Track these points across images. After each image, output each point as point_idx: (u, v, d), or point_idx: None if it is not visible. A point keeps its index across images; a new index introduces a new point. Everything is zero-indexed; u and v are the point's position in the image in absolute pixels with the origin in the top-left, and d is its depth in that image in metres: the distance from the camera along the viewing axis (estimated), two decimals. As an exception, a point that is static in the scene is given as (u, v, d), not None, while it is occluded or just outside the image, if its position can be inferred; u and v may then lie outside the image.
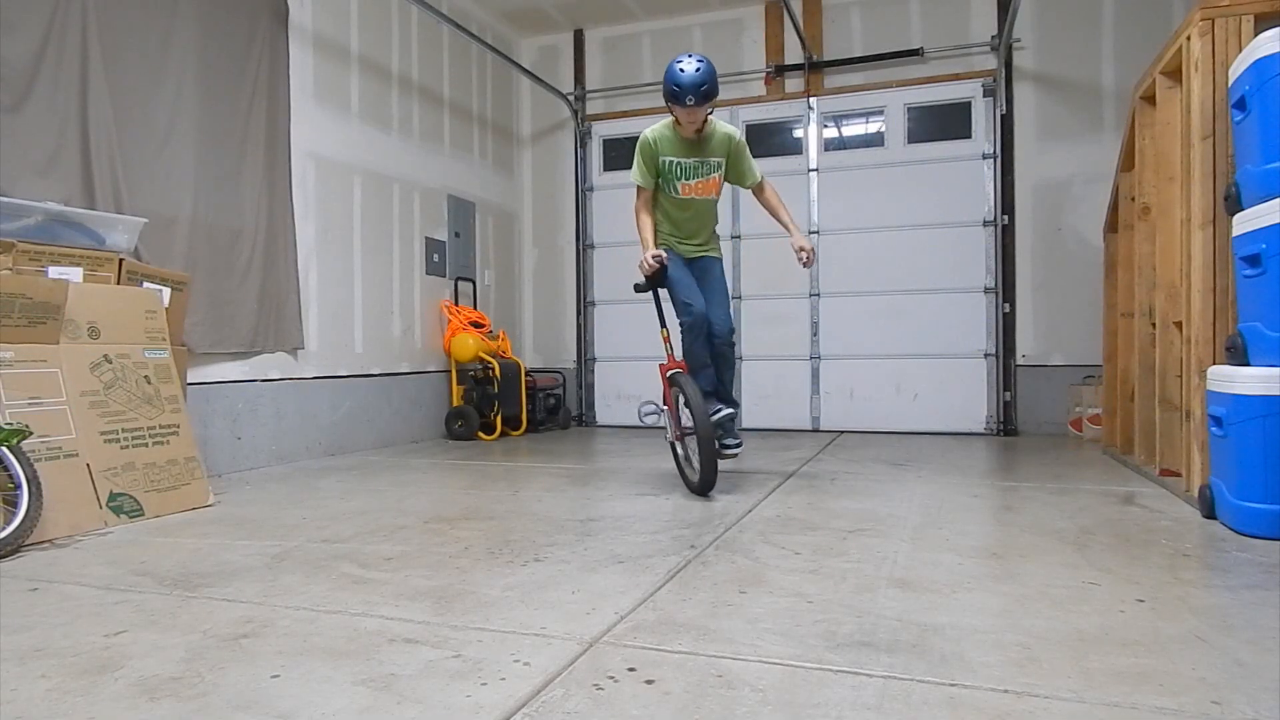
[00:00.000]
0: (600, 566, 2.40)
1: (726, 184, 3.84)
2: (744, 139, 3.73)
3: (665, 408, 3.78)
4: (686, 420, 3.56)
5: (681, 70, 3.44)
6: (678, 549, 2.60)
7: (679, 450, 3.73)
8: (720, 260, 3.88)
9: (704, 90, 3.43)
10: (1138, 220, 4.18)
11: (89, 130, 3.67)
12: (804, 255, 3.63)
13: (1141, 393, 4.13)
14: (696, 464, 3.53)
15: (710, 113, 3.61)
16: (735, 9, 6.83)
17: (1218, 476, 2.94)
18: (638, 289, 3.76)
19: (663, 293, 3.75)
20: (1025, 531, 2.82)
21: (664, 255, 3.60)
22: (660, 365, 3.73)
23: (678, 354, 3.66)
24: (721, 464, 3.56)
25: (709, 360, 3.62)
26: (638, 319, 7.17)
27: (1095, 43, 5.97)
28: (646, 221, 3.70)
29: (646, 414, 3.86)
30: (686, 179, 3.68)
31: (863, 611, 1.96)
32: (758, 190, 3.82)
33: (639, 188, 3.71)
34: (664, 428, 3.81)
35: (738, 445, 3.68)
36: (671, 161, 3.65)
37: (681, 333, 3.60)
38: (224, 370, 4.44)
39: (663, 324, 3.77)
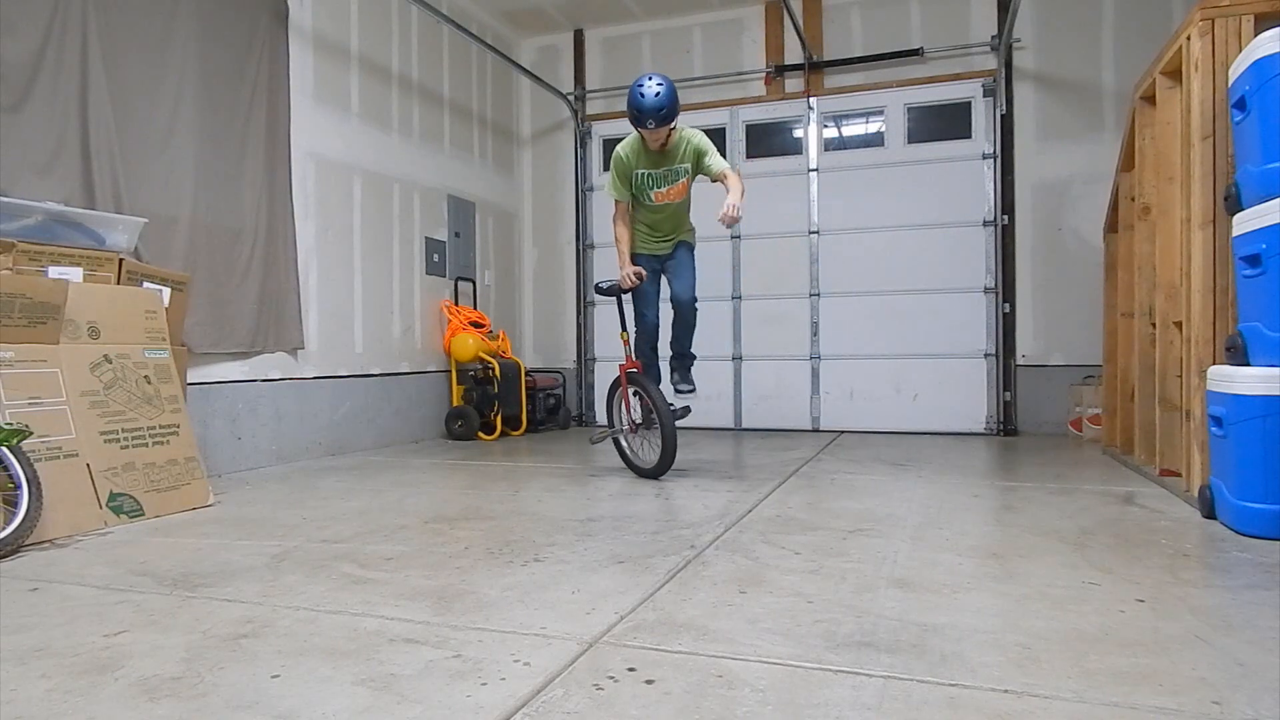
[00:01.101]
0: (600, 566, 2.40)
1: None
2: (705, 138, 3.90)
3: (618, 405, 4.24)
4: (637, 415, 4.12)
5: (642, 95, 3.64)
6: (678, 549, 2.60)
7: (624, 442, 4.24)
8: (691, 244, 4.16)
9: (663, 114, 3.66)
10: (1138, 220, 4.18)
11: (89, 130, 3.67)
12: (726, 209, 3.55)
13: (1141, 393, 4.13)
14: (656, 451, 3.97)
15: (673, 127, 3.80)
16: (735, 9, 6.83)
17: (1218, 476, 2.94)
18: (600, 291, 4.12)
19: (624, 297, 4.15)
20: (1025, 531, 2.82)
21: (644, 271, 3.95)
22: (620, 365, 4.13)
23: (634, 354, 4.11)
24: (724, 465, 3.67)
25: (655, 357, 4.14)
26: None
27: (1095, 43, 5.97)
28: (624, 234, 4.03)
29: (598, 440, 4.34)
30: (658, 187, 3.94)
31: (863, 611, 1.96)
32: (722, 180, 3.79)
33: (615, 201, 4.04)
34: (614, 436, 4.28)
35: (691, 390, 4.12)
36: (643, 173, 3.92)
37: (635, 336, 4.11)
38: (224, 370, 4.44)
39: (624, 327, 4.16)
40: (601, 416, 7.30)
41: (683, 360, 4.14)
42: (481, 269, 6.90)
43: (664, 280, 4.18)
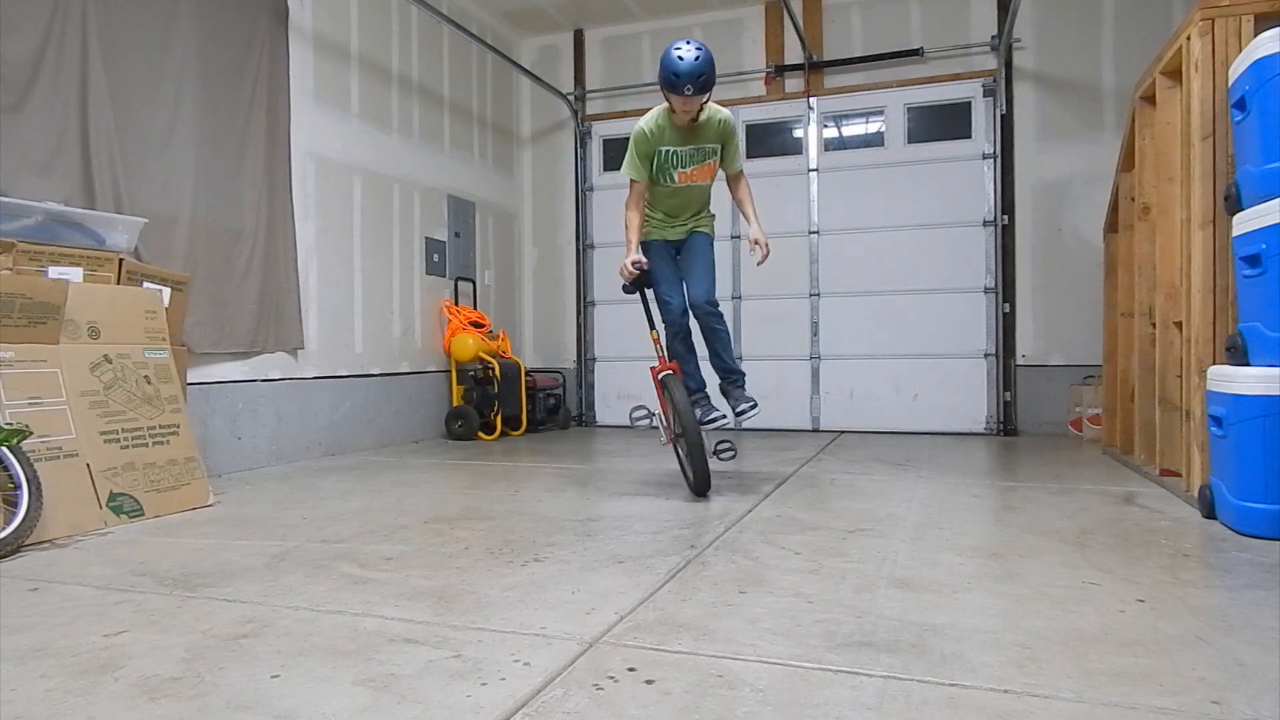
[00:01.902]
0: (600, 566, 2.40)
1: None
2: (735, 121, 3.64)
3: (659, 411, 3.73)
4: (676, 424, 3.55)
5: (680, 58, 3.28)
6: (678, 549, 2.60)
7: (679, 451, 3.66)
8: (709, 235, 3.76)
9: (702, 80, 3.31)
10: (1138, 220, 4.18)
11: (89, 130, 3.67)
12: (758, 250, 3.52)
13: (1141, 393, 4.13)
14: (689, 467, 3.49)
15: (707, 99, 3.46)
16: (735, 9, 6.83)
17: (1218, 476, 2.94)
18: (626, 290, 3.73)
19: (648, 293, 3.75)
20: (1025, 531, 2.82)
21: (644, 261, 3.54)
22: (652, 368, 3.67)
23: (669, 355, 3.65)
24: (722, 465, 3.57)
25: (691, 355, 3.63)
26: (638, 319, 7.15)
27: (1095, 43, 5.97)
28: (635, 220, 3.58)
29: (637, 418, 3.73)
30: (683, 167, 3.57)
31: (863, 611, 1.96)
32: (734, 178, 3.69)
33: (631, 181, 3.57)
34: (657, 429, 3.74)
35: (750, 405, 3.57)
36: (668, 151, 3.52)
37: (665, 332, 3.61)
38: (224, 370, 4.44)
39: (652, 326, 3.73)
40: (601, 416, 7.31)
41: (728, 377, 3.65)
42: (481, 269, 6.90)
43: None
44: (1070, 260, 6.04)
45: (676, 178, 3.58)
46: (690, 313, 3.59)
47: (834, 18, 6.59)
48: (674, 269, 3.65)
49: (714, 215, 3.83)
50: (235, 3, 4.46)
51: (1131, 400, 4.31)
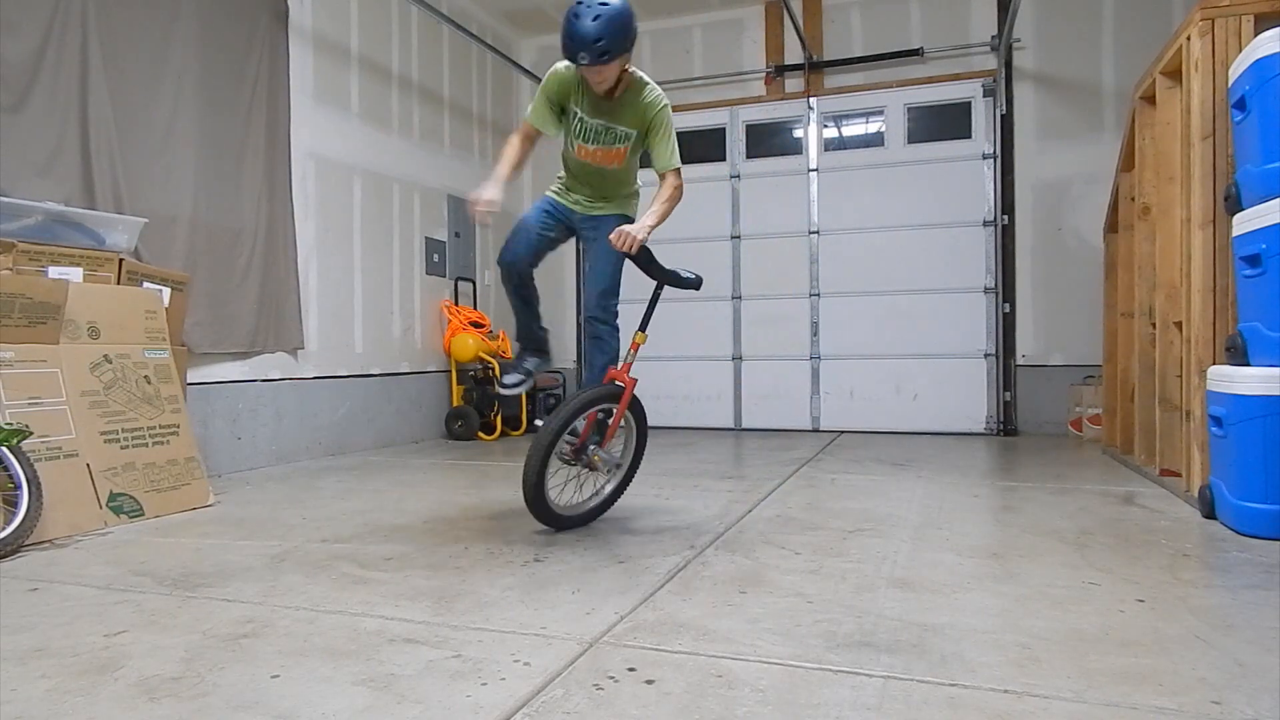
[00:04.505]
0: (600, 566, 2.40)
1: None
2: (667, 110, 2.86)
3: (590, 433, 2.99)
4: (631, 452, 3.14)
5: (575, 16, 2.58)
6: (678, 549, 2.60)
7: (615, 489, 3.12)
8: (631, 219, 3.08)
9: (600, 47, 2.57)
10: (1138, 220, 4.18)
11: (89, 130, 3.67)
12: (633, 231, 2.73)
13: (1141, 393, 4.13)
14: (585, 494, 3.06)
15: (627, 69, 2.78)
16: (735, 9, 6.83)
17: (1218, 476, 2.94)
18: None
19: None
20: (1025, 531, 2.82)
21: (496, 202, 2.80)
22: (632, 379, 3.00)
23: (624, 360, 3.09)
24: (723, 465, 3.48)
25: (528, 320, 3.44)
26: (637, 318, 7.17)
27: (1095, 43, 5.97)
28: (511, 155, 2.96)
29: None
30: (585, 141, 2.93)
31: (863, 611, 1.96)
32: (661, 179, 2.91)
33: (525, 120, 2.98)
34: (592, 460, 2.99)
35: (521, 378, 3.22)
36: (576, 115, 2.90)
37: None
38: (224, 370, 4.44)
39: (642, 326, 3.08)
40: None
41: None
42: (481, 269, 6.90)
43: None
44: (1070, 260, 6.03)
45: (576, 149, 2.98)
46: (531, 276, 3.23)
47: (834, 18, 6.58)
48: (538, 226, 3.12)
49: (637, 195, 3.20)
50: (235, 3, 4.46)
51: (1131, 400, 4.31)
